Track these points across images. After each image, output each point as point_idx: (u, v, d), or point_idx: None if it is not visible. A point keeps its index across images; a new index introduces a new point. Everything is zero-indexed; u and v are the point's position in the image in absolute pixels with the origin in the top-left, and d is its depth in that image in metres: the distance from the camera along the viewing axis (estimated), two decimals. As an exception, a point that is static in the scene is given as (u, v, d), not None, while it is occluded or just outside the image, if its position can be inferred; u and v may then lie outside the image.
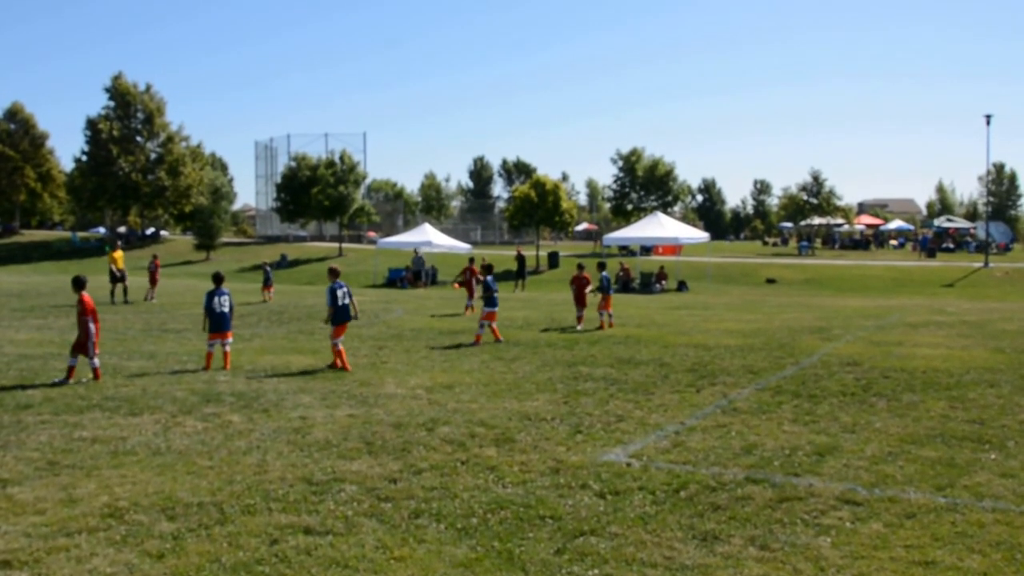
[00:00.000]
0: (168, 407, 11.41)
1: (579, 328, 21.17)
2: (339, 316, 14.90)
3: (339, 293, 14.97)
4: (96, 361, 13.62)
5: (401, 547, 6.26)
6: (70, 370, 13.36)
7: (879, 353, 16.23)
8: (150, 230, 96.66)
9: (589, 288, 22.04)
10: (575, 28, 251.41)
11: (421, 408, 11.34)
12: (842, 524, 6.71)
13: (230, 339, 15.25)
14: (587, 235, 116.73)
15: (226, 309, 15.14)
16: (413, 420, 10.54)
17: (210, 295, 15.14)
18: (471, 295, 27.43)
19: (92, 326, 13.52)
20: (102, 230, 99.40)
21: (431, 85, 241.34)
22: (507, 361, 15.70)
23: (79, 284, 14.11)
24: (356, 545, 6.30)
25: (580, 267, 22.73)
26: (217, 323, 15.02)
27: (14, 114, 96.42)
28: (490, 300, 18.82)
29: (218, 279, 15.57)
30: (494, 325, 18.76)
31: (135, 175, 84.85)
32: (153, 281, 33.42)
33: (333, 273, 15.47)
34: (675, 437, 9.65)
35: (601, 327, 21.14)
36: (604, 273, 22.63)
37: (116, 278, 30.74)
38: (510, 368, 14.89)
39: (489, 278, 19.31)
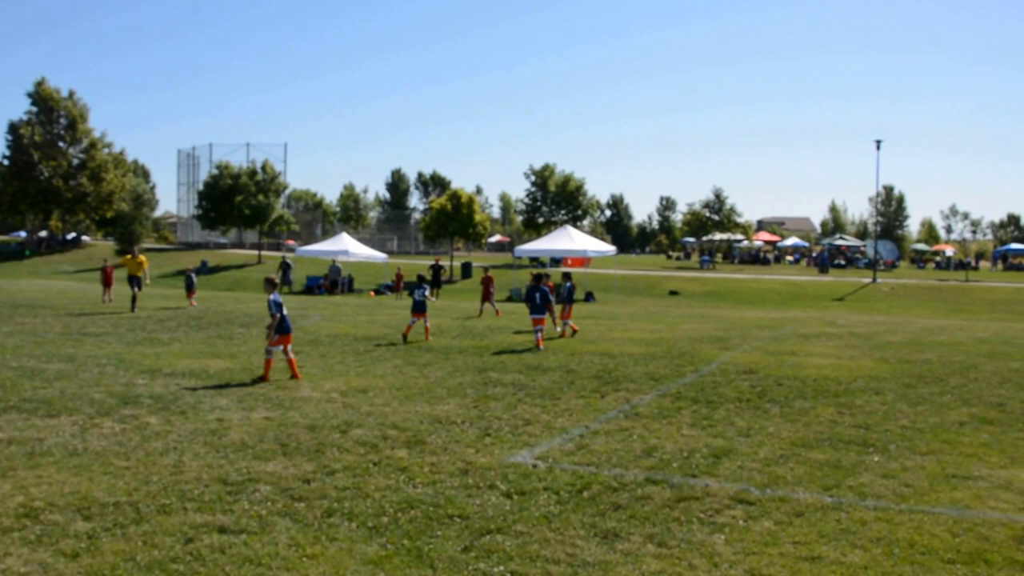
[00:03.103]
0: (86, 409, 11.32)
1: (557, 331, 22.14)
2: (283, 325, 14.49)
3: (281, 303, 14.54)
4: None
5: (313, 545, 6.40)
6: None
7: (774, 362, 16.88)
8: (71, 235, 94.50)
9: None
10: (493, 55, 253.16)
11: (335, 411, 11.46)
12: (735, 522, 7.07)
13: None
14: (500, 247, 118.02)
15: None
16: (327, 423, 10.66)
17: None
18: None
19: None
20: (23, 234, 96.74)
21: (352, 98, 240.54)
22: (420, 366, 15.89)
23: None
24: (270, 543, 6.41)
25: (540, 277, 23.31)
26: None
27: None
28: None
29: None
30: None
31: (57, 180, 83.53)
32: (107, 283, 33.05)
33: (271, 284, 15.02)
34: (579, 440, 9.99)
35: (563, 335, 21.65)
36: (568, 283, 23.28)
37: (138, 282, 29.66)
38: (423, 373, 15.09)
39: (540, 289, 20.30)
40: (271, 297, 14.56)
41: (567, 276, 23.69)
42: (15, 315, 25.73)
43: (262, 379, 14.06)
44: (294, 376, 14.27)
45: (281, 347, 14.54)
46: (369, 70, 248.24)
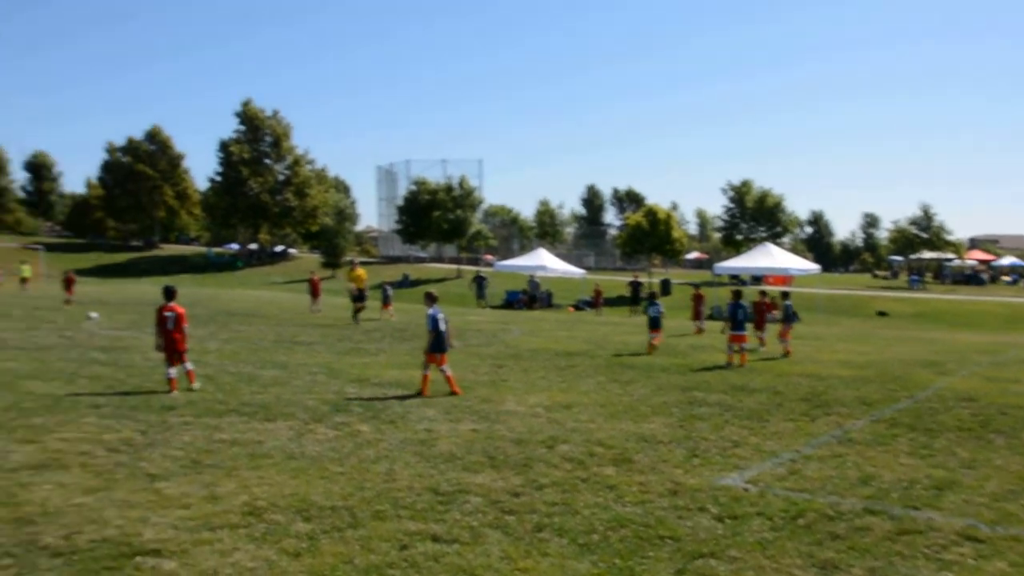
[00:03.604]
0: (301, 414, 11.99)
1: (761, 349, 22.21)
2: (438, 343, 14.25)
3: (439, 319, 14.28)
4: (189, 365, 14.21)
5: (525, 559, 6.49)
6: (171, 381, 13.75)
7: (996, 389, 15.85)
8: (279, 248, 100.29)
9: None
10: (685, 72, 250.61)
11: (541, 426, 11.61)
12: (964, 560, 6.69)
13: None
14: (697, 263, 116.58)
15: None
16: (533, 437, 10.81)
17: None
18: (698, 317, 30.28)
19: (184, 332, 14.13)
20: (235, 246, 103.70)
21: (546, 114, 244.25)
22: (623, 383, 15.87)
23: (171, 294, 14.37)
24: (482, 555, 6.55)
25: (763, 293, 24.44)
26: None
27: (153, 136, 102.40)
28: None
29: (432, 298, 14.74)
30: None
31: (264, 195, 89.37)
32: (315, 294, 35.08)
33: (431, 298, 14.69)
34: (791, 465, 9.70)
35: (787, 353, 21.38)
36: (788, 302, 23.22)
37: (357, 297, 29.82)
38: (626, 390, 15.06)
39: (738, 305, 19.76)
40: (429, 312, 14.37)
41: (786, 295, 23.41)
42: (231, 323, 27.43)
43: (419, 394, 13.95)
44: (453, 392, 14.09)
45: (434, 364, 14.27)
46: (564, 86, 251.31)
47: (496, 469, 9.14)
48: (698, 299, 30.90)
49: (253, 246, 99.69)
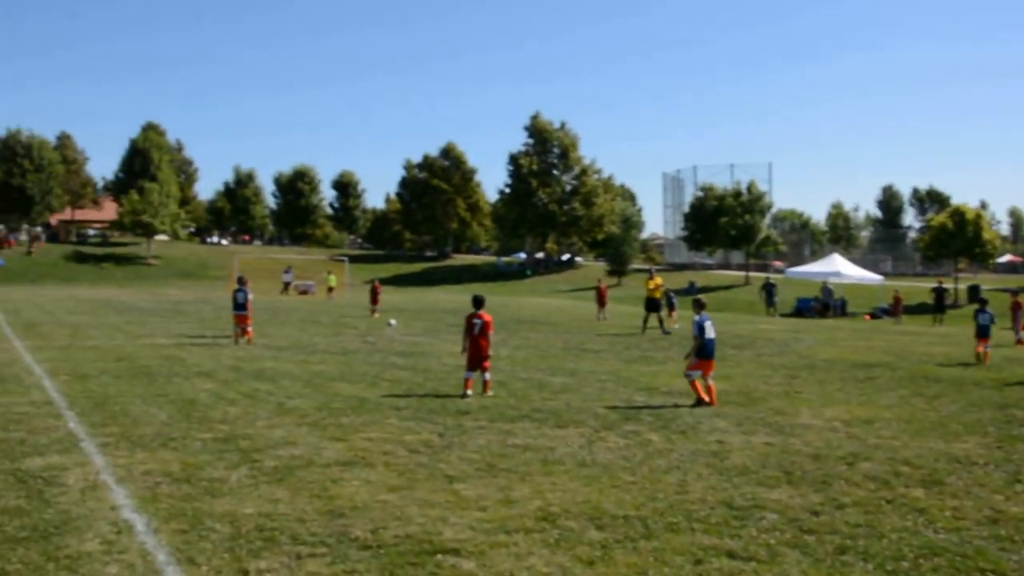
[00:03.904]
0: (591, 422, 12.08)
1: None
2: (704, 350, 13.82)
3: (707, 325, 13.89)
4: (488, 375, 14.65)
5: (827, 581, 6.12)
6: (467, 381, 14.45)
7: None
8: (566, 256, 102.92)
9: None
10: (985, 61, 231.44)
11: (839, 441, 11.03)
12: None
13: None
14: (1011, 267, 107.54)
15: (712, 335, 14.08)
16: (832, 453, 10.28)
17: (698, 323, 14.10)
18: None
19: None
20: (523, 255, 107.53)
21: (837, 111, 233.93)
22: (928, 398, 14.84)
23: (480, 303, 14.88)
24: (780, 575, 6.25)
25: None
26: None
27: (447, 152, 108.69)
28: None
29: (700, 304, 14.53)
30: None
31: (552, 205, 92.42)
32: (602, 302, 35.34)
33: (699, 305, 14.43)
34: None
35: None
36: None
37: (657, 306, 29.63)
38: (932, 405, 14.06)
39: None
40: (696, 318, 14.03)
41: None
42: (520, 330, 28.22)
43: (700, 402, 13.55)
44: (710, 402, 13.57)
45: (699, 372, 13.82)
46: (850, 75, 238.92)
47: (793, 485, 8.74)
48: (1017, 307, 28.34)
49: (540, 255, 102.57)
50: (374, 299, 38.88)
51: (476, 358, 14.45)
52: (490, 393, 14.41)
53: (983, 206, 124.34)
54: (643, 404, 13.74)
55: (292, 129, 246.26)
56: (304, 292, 64.79)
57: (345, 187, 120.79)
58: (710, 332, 13.94)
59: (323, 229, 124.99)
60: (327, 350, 21.68)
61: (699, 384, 13.75)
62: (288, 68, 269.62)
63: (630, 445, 10.59)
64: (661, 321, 29.12)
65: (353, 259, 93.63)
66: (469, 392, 14.18)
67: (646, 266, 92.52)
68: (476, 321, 14.55)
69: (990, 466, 9.77)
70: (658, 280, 30.28)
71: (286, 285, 64.86)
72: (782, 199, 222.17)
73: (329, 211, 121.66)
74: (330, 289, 56.61)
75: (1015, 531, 7.34)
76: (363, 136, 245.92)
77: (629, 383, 16.11)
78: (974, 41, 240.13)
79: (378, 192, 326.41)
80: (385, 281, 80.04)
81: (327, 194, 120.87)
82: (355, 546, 6.74)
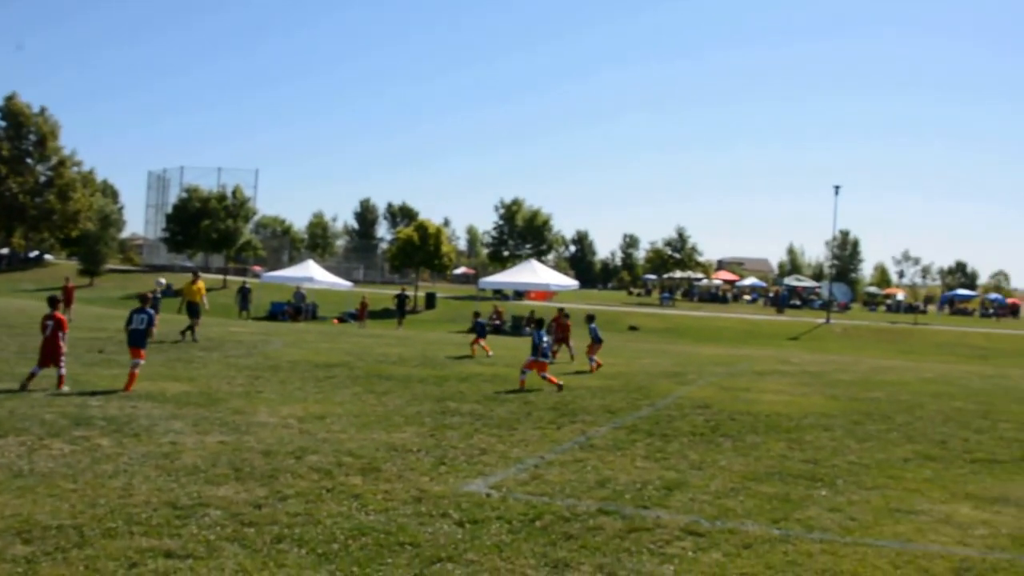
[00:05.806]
0: (35, 429, 11.10)
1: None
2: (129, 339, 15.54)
3: (135, 318, 15.52)
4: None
5: (261, 571, 6.35)
6: (31, 377, 14.66)
7: (728, 397, 17.07)
8: (34, 253, 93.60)
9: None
10: (465, 96, 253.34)
11: (291, 437, 11.40)
12: (685, 553, 7.16)
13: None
14: (464, 278, 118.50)
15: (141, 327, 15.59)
16: (282, 448, 10.61)
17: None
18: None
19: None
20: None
21: (322, 124, 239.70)
22: (379, 394, 15.86)
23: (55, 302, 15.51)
24: (216, 569, 6.35)
25: (564, 314, 26.78)
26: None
27: None
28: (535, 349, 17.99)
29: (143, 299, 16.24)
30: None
31: (23, 196, 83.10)
32: (68, 302, 32.30)
33: (143, 299, 16.05)
34: (534, 470, 10.04)
35: (591, 370, 21.87)
36: (592, 325, 24.02)
37: (196, 312, 26.49)
38: (381, 401, 15.07)
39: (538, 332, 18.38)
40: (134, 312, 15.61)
41: (591, 318, 24.69)
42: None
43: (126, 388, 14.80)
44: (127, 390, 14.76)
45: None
46: (341, 90, 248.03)
47: (240, 481, 8.92)
48: (562, 328, 29.79)
49: (4, 251, 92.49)
50: None
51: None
52: None
53: (446, 223, 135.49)
54: (98, 409, 12.91)
55: None
56: None
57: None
58: (140, 324, 15.50)
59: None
60: None
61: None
62: None
63: (76, 451, 10.00)
64: (191, 328, 27.17)
65: None
66: None
67: (123, 267, 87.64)
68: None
69: (422, 452, 10.80)
70: (200, 284, 28.45)
71: None
72: (267, 205, 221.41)
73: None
74: None
75: (434, 507, 8.23)
76: None
77: (86, 386, 15.14)
78: (444, 76, 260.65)
79: None
80: None
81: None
82: None
